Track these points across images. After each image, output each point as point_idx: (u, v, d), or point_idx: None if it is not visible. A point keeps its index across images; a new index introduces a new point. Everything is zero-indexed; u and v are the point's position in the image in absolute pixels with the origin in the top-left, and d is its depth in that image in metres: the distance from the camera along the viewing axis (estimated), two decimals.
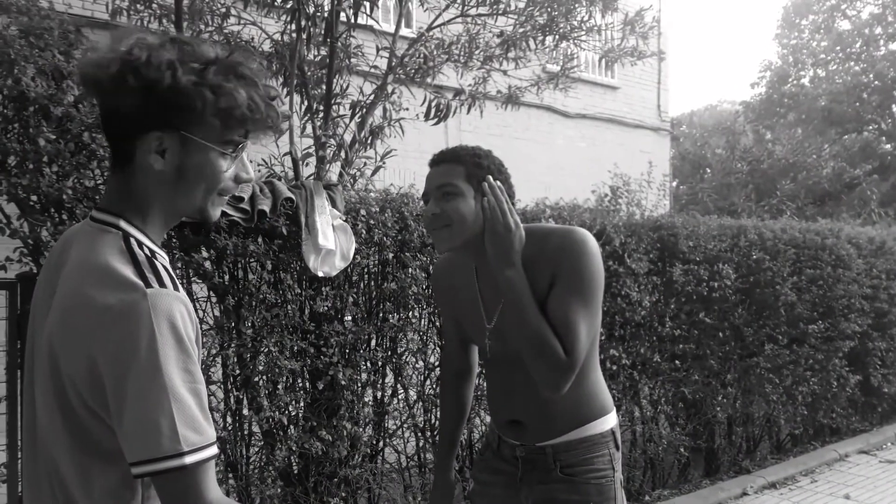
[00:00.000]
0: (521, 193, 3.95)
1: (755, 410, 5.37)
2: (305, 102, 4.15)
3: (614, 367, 4.38)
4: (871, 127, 19.88)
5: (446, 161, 1.75)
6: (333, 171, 4.15)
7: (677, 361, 4.71)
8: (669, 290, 4.68)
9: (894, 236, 6.75)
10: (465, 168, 1.72)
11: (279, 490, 2.95)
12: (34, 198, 2.58)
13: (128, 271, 1.04)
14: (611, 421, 1.84)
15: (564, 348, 1.62)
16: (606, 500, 1.76)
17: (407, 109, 4.59)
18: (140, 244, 1.11)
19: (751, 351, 5.19)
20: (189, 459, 0.98)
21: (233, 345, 2.92)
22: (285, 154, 4.01)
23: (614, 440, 1.83)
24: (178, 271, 2.84)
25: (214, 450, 1.03)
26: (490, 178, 1.67)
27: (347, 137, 4.24)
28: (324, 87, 4.19)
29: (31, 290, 2.58)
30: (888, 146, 19.69)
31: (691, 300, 4.79)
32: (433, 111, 4.50)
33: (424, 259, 3.50)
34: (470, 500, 2.02)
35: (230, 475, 2.97)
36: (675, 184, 15.47)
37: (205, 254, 2.89)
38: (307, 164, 4.07)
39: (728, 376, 5.09)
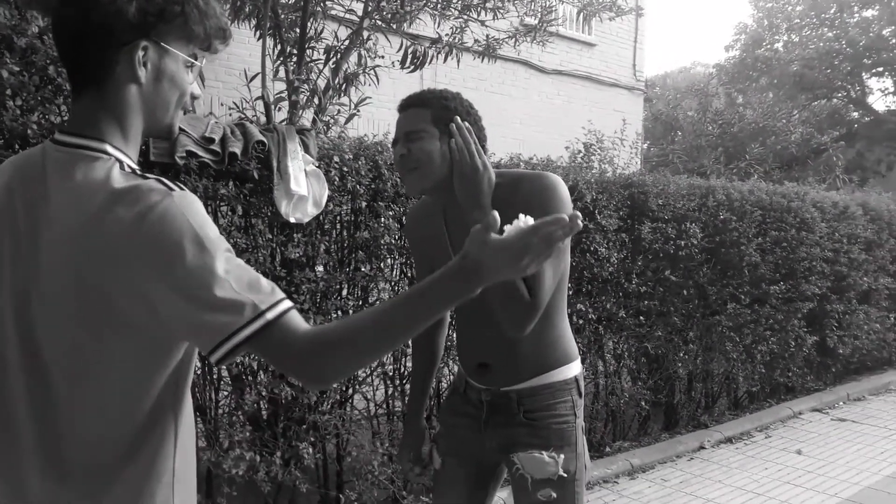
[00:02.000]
0: (495, 147, 3.97)
1: (715, 367, 5.52)
2: (279, 46, 4.06)
3: (580, 322, 4.45)
4: (840, 94, 20.12)
5: (413, 105, 1.77)
6: (306, 118, 4.08)
7: (642, 317, 4.80)
8: (637, 248, 4.74)
9: (857, 202, 6.89)
10: (432, 111, 1.74)
11: (248, 434, 2.97)
12: None
13: (143, 183, 1.04)
14: (575, 369, 1.87)
15: (529, 290, 1.65)
16: (567, 444, 1.81)
17: (382, 57, 4.51)
18: (132, 169, 1.10)
19: (713, 309, 5.31)
20: (270, 315, 1.01)
21: None
22: (257, 98, 3.93)
23: (577, 388, 1.87)
24: None
25: (288, 302, 1.06)
26: (458, 118, 1.66)
27: (321, 83, 4.17)
28: (297, 30, 4.09)
29: None
30: (855, 114, 19.98)
31: (658, 258, 4.86)
32: (409, 58, 4.44)
33: (398, 209, 3.49)
34: (435, 442, 2.06)
35: (198, 418, 2.98)
36: (646, 145, 15.54)
37: None
38: (279, 109, 4.00)
39: (690, 333, 5.21)
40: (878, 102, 32.15)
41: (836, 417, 5.98)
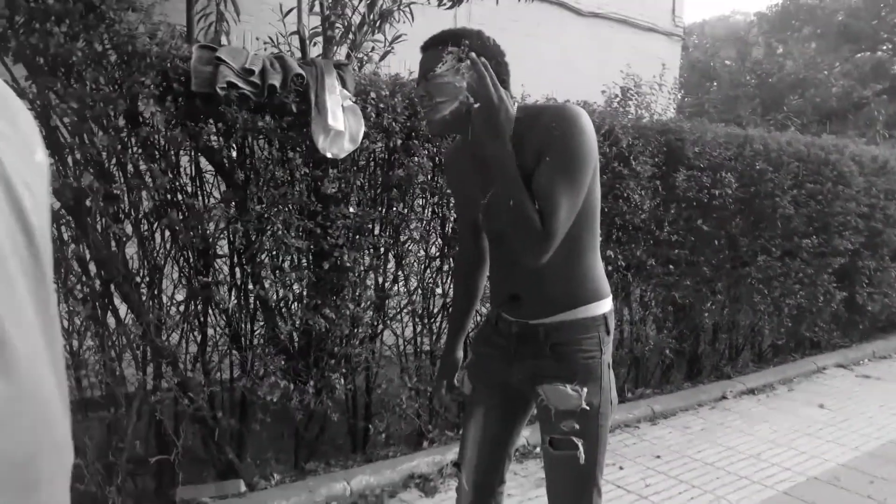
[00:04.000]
0: (529, 89, 3.94)
1: (741, 319, 5.53)
2: None
3: (609, 268, 4.47)
4: (885, 46, 19.47)
5: (433, 45, 1.79)
6: (341, 54, 4.06)
7: (671, 266, 4.81)
8: (671, 195, 4.72)
9: None
10: (451, 51, 1.75)
11: (282, 363, 3.07)
12: (41, 59, 2.54)
13: None
14: (604, 307, 1.90)
15: (542, 219, 1.68)
16: (591, 378, 1.84)
17: None
18: None
19: (744, 261, 5.30)
20: None
21: (240, 221, 2.95)
22: (292, 33, 3.92)
23: (605, 326, 1.89)
24: (184, 144, 2.84)
25: None
26: (472, 54, 1.68)
27: (356, 19, 4.13)
28: None
29: None
30: None
31: (691, 206, 4.85)
32: None
33: (432, 148, 3.50)
34: (466, 371, 2.13)
35: (233, 347, 3.08)
36: (680, 94, 15.23)
37: (212, 126, 2.89)
38: (314, 45, 3.98)
39: (719, 284, 5.21)
40: None
41: (861, 374, 5.99)
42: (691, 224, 4.86)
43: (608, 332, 1.91)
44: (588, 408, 1.82)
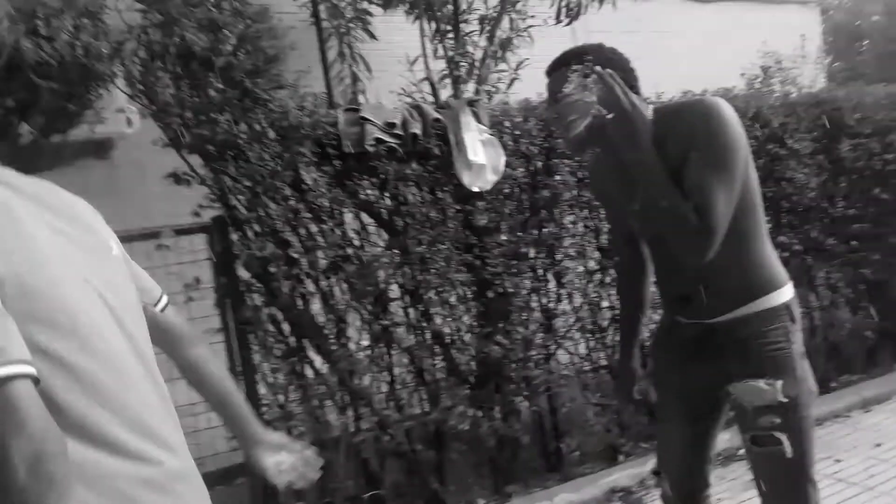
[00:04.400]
0: (664, 86, 3.88)
1: None
2: (433, 25, 4.21)
3: (785, 254, 4.24)
4: None
5: (557, 67, 1.84)
6: (470, 90, 4.21)
7: (854, 242, 4.49)
8: (838, 169, 4.44)
9: None
10: (575, 70, 1.80)
11: (466, 392, 3.18)
12: (211, 147, 2.84)
13: None
14: (785, 294, 1.82)
15: (699, 213, 1.65)
16: (785, 369, 1.77)
17: (533, 17, 4.53)
18: None
19: None
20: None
21: (405, 264, 3.12)
22: (422, 80, 4.12)
23: (790, 314, 1.81)
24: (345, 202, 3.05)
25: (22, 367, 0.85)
26: (598, 68, 1.71)
27: (478, 54, 4.27)
28: (450, 6, 4.22)
29: (225, 230, 2.89)
30: None
31: (863, 177, 4.52)
32: (564, 12, 4.44)
33: (574, 164, 3.53)
34: (650, 379, 2.10)
35: (420, 382, 3.22)
36: (828, 61, 14.21)
37: (367, 181, 3.09)
38: (444, 87, 4.16)
39: None
40: None
41: None
42: (868, 195, 4.53)
43: (793, 321, 1.83)
44: (786, 400, 1.76)
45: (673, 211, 1.68)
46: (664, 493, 2.12)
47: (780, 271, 1.85)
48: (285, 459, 1.45)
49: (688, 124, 1.70)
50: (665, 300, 2.02)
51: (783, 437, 1.75)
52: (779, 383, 1.76)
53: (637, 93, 1.80)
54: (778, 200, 4.21)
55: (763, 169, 4.16)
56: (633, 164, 1.73)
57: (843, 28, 15.20)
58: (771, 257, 1.85)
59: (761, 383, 1.77)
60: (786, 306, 1.82)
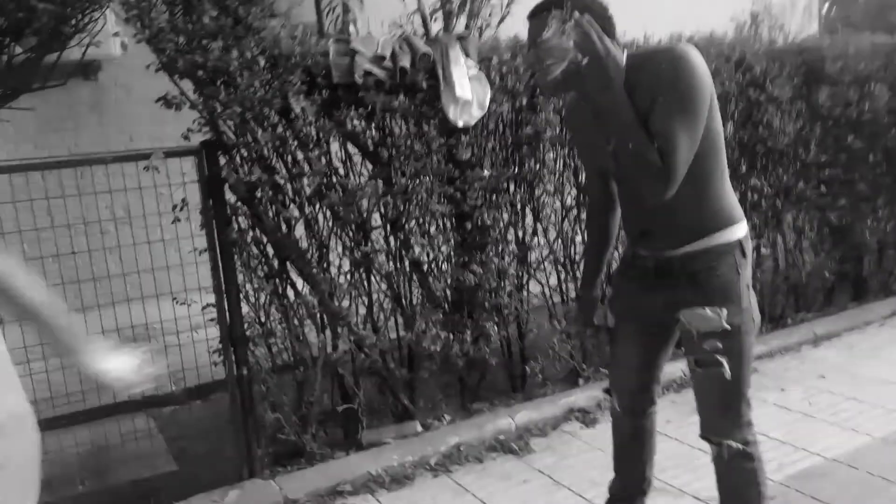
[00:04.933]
0: (654, 29, 3.82)
1: None
2: None
3: (755, 197, 4.28)
4: None
5: (538, 13, 1.86)
6: (460, 25, 4.14)
7: (823, 188, 4.52)
8: (814, 116, 4.42)
9: None
10: (555, 13, 1.81)
11: (440, 317, 3.27)
12: (201, 73, 2.82)
13: None
14: (737, 232, 1.89)
15: (661, 157, 1.71)
16: (731, 299, 1.86)
17: None
18: None
19: None
20: None
21: (389, 194, 3.15)
22: (413, 12, 4.04)
23: (740, 250, 1.89)
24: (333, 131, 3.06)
25: None
26: (576, 14, 1.74)
27: None
28: None
29: (213, 155, 2.91)
30: None
31: (839, 125, 4.51)
32: None
33: (558, 103, 3.51)
34: (608, 305, 2.19)
35: (397, 306, 3.30)
36: (825, 8, 13.82)
37: (355, 112, 3.08)
38: (435, 20, 4.08)
39: (879, 200, 4.82)
40: None
41: None
42: (841, 143, 4.52)
43: (744, 255, 1.91)
44: (729, 327, 1.85)
45: (639, 152, 1.74)
46: (612, 409, 2.26)
47: (735, 210, 1.92)
48: (119, 364, 1.43)
49: (656, 71, 1.74)
50: (628, 233, 2.09)
51: (724, 360, 1.86)
52: (724, 311, 1.85)
53: (613, 39, 1.82)
54: (754, 144, 4.21)
55: (742, 113, 4.15)
56: (606, 107, 1.78)
57: None
58: (727, 197, 1.91)
59: (708, 311, 1.86)
60: (737, 242, 1.90)
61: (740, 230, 1.91)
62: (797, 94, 4.31)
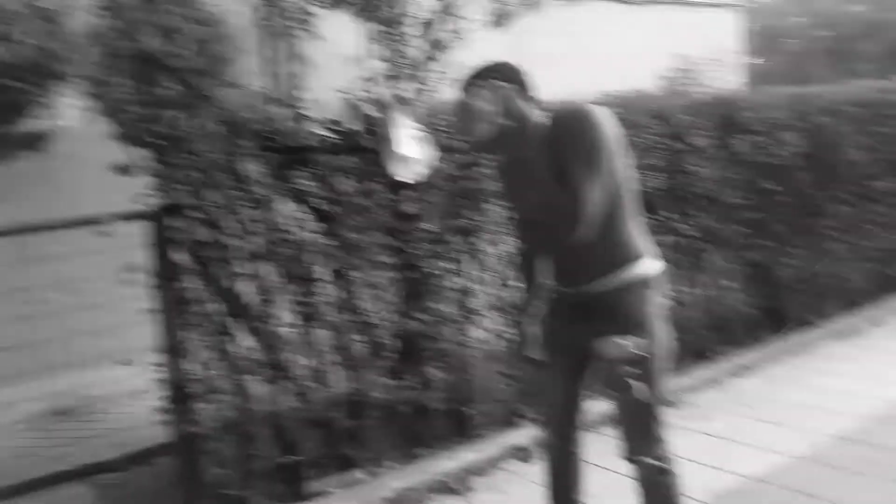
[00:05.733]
0: (593, 87, 3.95)
1: (822, 269, 5.25)
2: (375, 27, 4.22)
3: (681, 239, 4.41)
4: None
5: (468, 83, 2.03)
6: (408, 89, 4.25)
7: (743, 228, 4.68)
8: (731, 162, 4.60)
9: None
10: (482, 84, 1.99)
11: (385, 363, 3.29)
12: (160, 140, 2.83)
13: None
14: (646, 267, 2.02)
15: (577, 204, 1.85)
16: (642, 328, 1.98)
17: (471, 20, 4.56)
18: None
19: (815, 212, 5.04)
20: None
21: (334, 247, 3.19)
22: (362, 78, 4.13)
23: (650, 282, 2.02)
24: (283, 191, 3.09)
25: None
26: (499, 84, 1.95)
27: (417, 55, 4.30)
28: (391, 9, 4.23)
29: (167, 217, 2.91)
30: None
31: (753, 169, 4.69)
32: (496, 19, 4.48)
33: (495, 160, 3.60)
34: (542, 337, 2.28)
35: (341, 356, 3.31)
36: (753, 61, 14.37)
37: (303, 172, 3.13)
38: (382, 86, 4.18)
39: (793, 239, 4.99)
40: None
41: None
42: (756, 186, 4.71)
43: (652, 288, 2.03)
44: (639, 353, 1.96)
45: (556, 200, 1.89)
46: (544, 437, 2.33)
47: (644, 247, 2.04)
48: None
49: (568, 127, 1.91)
50: (554, 273, 2.19)
51: (636, 384, 1.95)
52: (634, 339, 1.95)
53: (533, 102, 2.01)
54: (676, 190, 4.35)
55: (667, 162, 4.30)
56: (527, 163, 1.96)
57: (768, 31, 15.41)
58: (637, 236, 2.03)
59: (621, 340, 1.96)
60: (646, 277, 2.02)
61: (649, 265, 2.03)
62: (715, 142, 4.49)
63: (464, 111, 2.02)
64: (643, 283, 2.01)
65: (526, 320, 2.36)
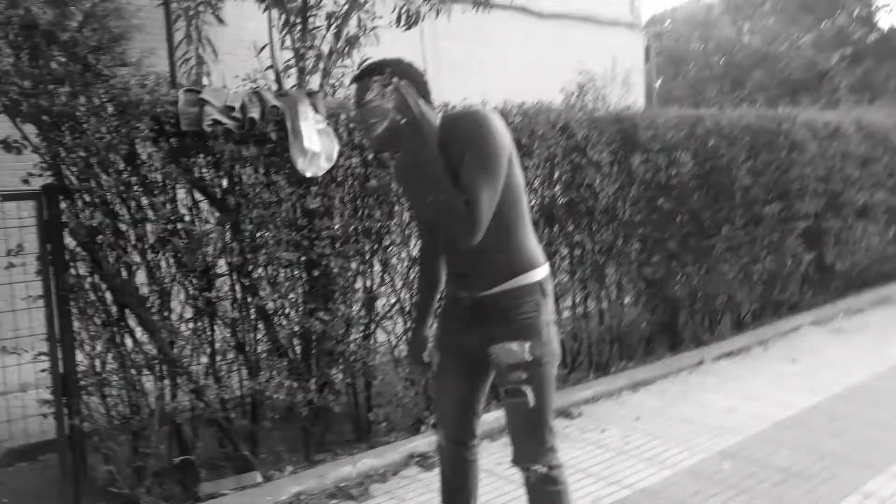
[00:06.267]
0: (498, 95, 4.27)
1: (713, 289, 5.85)
2: (283, 17, 4.37)
3: (579, 252, 4.82)
4: (841, 12, 19.80)
5: (362, 77, 2.17)
6: (314, 82, 4.41)
7: (638, 245, 5.15)
8: (630, 179, 5.06)
9: (851, 120, 7.10)
10: (376, 80, 2.12)
11: (285, 364, 3.42)
12: (46, 117, 2.87)
13: None
14: (538, 274, 2.23)
15: (468, 206, 2.02)
16: (533, 334, 2.17)
17: (381, 17, 4.80)
18: None
19: (708, 233, 5.63)
20: None
21: (235, 241, 3.30)
22: (268, 68, 4.27)
23: (542, 289, 2.23)
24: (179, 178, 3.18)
25: None
26: (395, 80, 2.06)
27: (325, 49, 4.48)
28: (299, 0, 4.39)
29: (54, 199, 2.94)
30: (859, 34, 19.70)
31: (650, 187, 5.18)
32: (403, 18, 4.74)
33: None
34: (434, 343, 2.47)
35: (240, 354, 3.42)
36: (657, 83, 15.52)
37: (203, 159, 3.23)
38: (288, 76, 4.33)
39: (687, 258, 5.54)
40: (884, 20, 31.50)
41: (833, 329, 6.34)
42: (653, 204, 5.20)
43: (544, 295, 2.24)
44: (531, 359, 2.16)
45: (448, 203, 2.04)
46: (439, 442, 2.51)
47: (537, 254, 2.25)
48: None
49: (463, 131, 2.07)
50: (448, 276, 2.39)
51: (527, 390, 2.16)
52: (527, 345, 2.16)
53: (428, 101, 2.16)
54: (577, 203, 4.75)
55: (567, 174, 4.69)
56: (421, 162, 2.08)
57: (670, 54, 16.70)
58: (530, 242, 2.24)
59: (514, 345, 2.17)
60: (539, 284, 2.22)
61: (541, 273, 2.24)
62: (614, 158, 4.94)
63: (358, 106, 2.15)
64: (537, 290, 2.21)
65: (418, 323, 2.54)
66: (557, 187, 4.64)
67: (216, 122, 3.22)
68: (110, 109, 2.95)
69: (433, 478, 3.44)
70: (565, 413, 4.28)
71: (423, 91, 2.14)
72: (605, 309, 5.13)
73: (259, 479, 3.34)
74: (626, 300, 5.28)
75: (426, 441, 3.71)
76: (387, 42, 5.03)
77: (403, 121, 2.05)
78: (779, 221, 6.13)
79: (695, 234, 5.55)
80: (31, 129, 2.86)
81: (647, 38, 12.08)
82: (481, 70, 7.39)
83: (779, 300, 6.52)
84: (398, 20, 4.75)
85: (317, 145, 3.48)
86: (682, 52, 16.35)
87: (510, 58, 8.94)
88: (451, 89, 4.67)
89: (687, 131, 5.42)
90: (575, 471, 3.45)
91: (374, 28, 4.69)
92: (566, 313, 4.86)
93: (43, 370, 2.93)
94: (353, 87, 2.19)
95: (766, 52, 13.63)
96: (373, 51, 4.68)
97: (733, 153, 5.64)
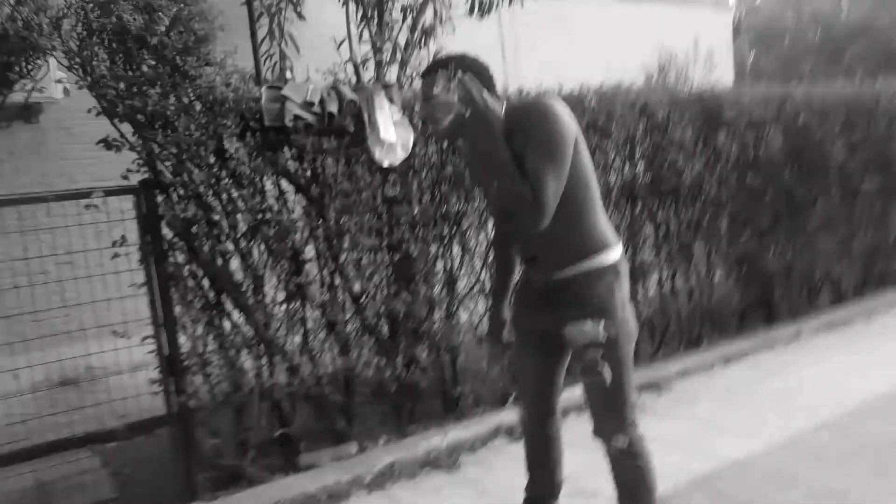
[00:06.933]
0: (576, 79, 4.15)
1: (810, 263, 5.50)
2: (360, 10, 4.42)
3: (663, 230, 4.64)
4: None
5: (428, 73, 2.16)
6: (392, 74, 4.44)
7: (727, 222, 4.91)
8: (716, 157, 4.83)
9: None
10: (441, 75, 2.11)
11: (373, 343, 3.46)
12: (140, 116, 3.01)
13: None
14: (611, 254, 2.18)
15: (534, 192, 2.00)
16: (608, 314, 2.12)
17: (457, 8, 4.76)
18: None
19: (801, 209, 5.30)
20: None
21: (321, 228, 3.37)
22: (346, 61, 4.33)
23: (615, 270, 2.18)
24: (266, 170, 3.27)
25: None
26: (459, 74, 2.06)
27: (402, 40, 4.50)
28: None
29: (151, 193, 3.08)
30: None
31: (738, 165, 4.93)
32: (476, 6, 4.70)
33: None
34: (510, 323, 2.45)
35: (331, 334, 3.48)
36: (750, 59, 14.78)
37: (287, 153, 3.31)
38: (367, 69, 4.37)
39: (780, 233, 5.24)
40: None
41: None
42: (742, 181, 4.95)
43: (617, 275, 2.19)
44: (606, 338, 2.10)
45: (514, 190, 2.03)
46: (521, 417, 2.48)
47: (608, 236, 2.20)
48: None
49: (527, 120, 2.05)
50: (522, 260, 2.36)
51: (604, 369, 2.09)
52: (601, 324, 2.10)
53: (493, 92, 2.14)
54: (660, 183, 4.57)
55: (648, 155, 4.53)
56: (487, 151, 2.07)
57: (761, 30, 15.87)
58: (600, 224, 2.19)
59: (588, 325, 2.11)
60: (612, 265, 2.17)
61: (614, 253, 2.19)
62: (698, 137, 4.72)
63: (425, 100, 2.16)
64: (610, 270, 2.16)
65: (495, 305, 2.51)
66: (639, 167, 4.48)
67: (297, 117, 3.29)
68: (198, 108, 3.06)
69: (520, 449, 3.40)
70: (655, 386, 4.14)
71: (487, 83, 2.13)
72: (694, 285, 4.91)
73: (354, 450, 3.42)
74: (717, 276, 5.04)
75: (512, 414, 3.68)
76: (465, 31, 5.03)
77: (469, 113, 2.05)
78: (879, 194, 5.70)
79: (786, 209, 5.24)
80: (127, 129, 3.00)
81: (736, 14, 11.51)
82: (559, 55, 7.25)
83: (884, 272, 6.06)
84: (471, 9, 4.72)
85: (392, 135, 3.50)
86: (775, 27, 15.48)
87: (588, 42, 8.70)
88: (529, 75, 4.61)
89: (775, 108, 5.12)
90: (664, 443, 3.29)
91: (449, 18, 4.67)
92: (652, 290, 4.69)
93: (150, 352, 3.08)
94: (420, 80, 2.20)
95: (865, 24, 12.69)
96: (450, 40, 4.69)
97: (826, 128, 5.29)
